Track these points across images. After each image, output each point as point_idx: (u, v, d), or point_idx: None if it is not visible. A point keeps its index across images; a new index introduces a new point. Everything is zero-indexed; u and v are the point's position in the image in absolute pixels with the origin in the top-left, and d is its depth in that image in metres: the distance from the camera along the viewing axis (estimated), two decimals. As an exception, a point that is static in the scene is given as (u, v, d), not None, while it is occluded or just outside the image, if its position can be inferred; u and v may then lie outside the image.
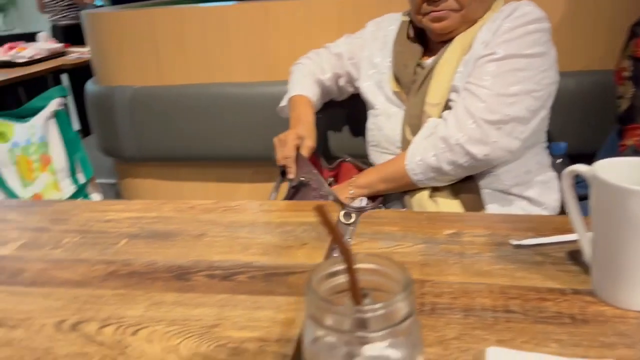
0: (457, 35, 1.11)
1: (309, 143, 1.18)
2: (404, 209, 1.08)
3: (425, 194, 1.11)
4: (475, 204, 1.08)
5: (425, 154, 1.07)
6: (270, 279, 0.67)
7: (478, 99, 1.03)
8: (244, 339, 0.56)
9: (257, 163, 1.64)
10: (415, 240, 0.73)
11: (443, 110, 1.10)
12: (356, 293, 0.36)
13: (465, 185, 1.10)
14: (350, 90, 1.36)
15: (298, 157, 1.14)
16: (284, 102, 1.36)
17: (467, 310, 0.58)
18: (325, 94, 1.36)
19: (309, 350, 0.38)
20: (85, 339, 0.58)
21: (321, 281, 0.39)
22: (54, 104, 1.53)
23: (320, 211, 0.32)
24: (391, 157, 1.17)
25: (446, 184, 1.10)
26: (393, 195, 1.16)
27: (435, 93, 1.10)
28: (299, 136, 1.16)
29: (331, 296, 0.38)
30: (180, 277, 0.69)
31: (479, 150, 1.03)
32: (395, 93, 1.17)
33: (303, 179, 1.09)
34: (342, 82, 1.34)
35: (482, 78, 1.04)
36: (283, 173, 1.15)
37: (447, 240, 0.73)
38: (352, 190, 1.12)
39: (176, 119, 1.62)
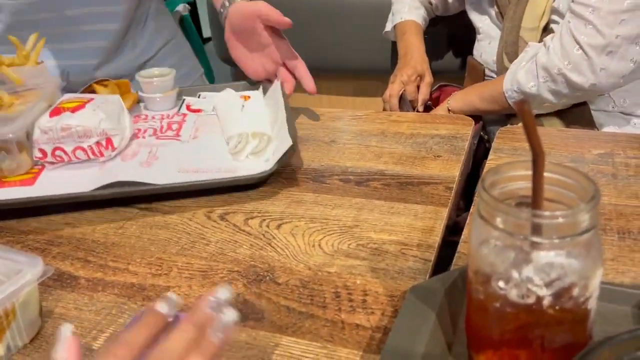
0: None
1: (429, 79, 1.15)
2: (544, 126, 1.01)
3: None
4: (587, 127, 0.99)
5: (524, 82, 0.97)
6: (405, 188, 0.67)
7: (583, 22, 0.90)
8: (384, 241, 0.57)
9: (367, 76, 1.61)
10: (560, 158, 0.69)
11: (541, 36, 0.99)
12: (538, 197, 0.35)
13: (574, 107, 1.00)
14: (458, 6, 1.26)
15: (402, 97, 1.12)
16: (389, 27, 1.30)
17: (622, 232, 0.55)
18: (430, 12, 1.29)
19: (476, 252, 0.37)
20: (234, 228, 0.61)
21: (493, 184, 0.38)
22: (179, 9, 1.57)
23: (523, 106, 0.30)
24: None
25: (550, 111, 1.01)
26: (494, 119, 1.09)
27: (531, 16, 0.98)
28: (418, 73, 1.13)
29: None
30: (316, 179, 0.70)
31: (584, 80, 0.91)
32: (497, 15, 1.07)
33: None
34: None
35: None
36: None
37: (597, 160, 0.68)
38: (449, 105, 1.06)
39: (295, 27, 1.61)
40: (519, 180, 0.39)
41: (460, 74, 1.33)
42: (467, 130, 0.80)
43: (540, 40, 0.99)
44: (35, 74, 0.81)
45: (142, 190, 0.63)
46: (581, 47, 0.90)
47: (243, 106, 0.79)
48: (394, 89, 1.12)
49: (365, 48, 1.53)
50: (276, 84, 0.79)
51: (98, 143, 0.69)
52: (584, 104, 0.98)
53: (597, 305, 0.38)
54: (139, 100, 0.86)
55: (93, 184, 0.64)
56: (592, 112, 0.99)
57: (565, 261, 0.35)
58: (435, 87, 1.21)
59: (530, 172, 0.38)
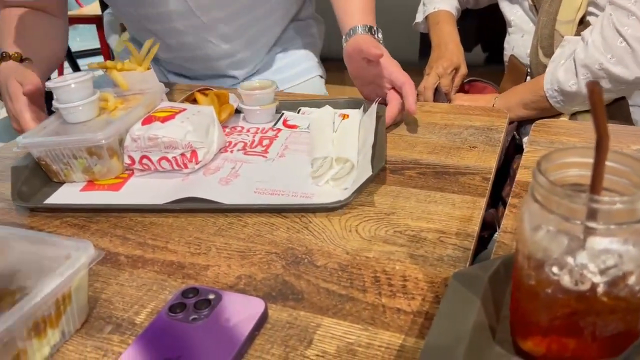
0: None
1: (464, 71, 1.14)
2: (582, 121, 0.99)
3: (564, 117, 1.02)
4: (624, 123, 0.97)
5: (564, 81, 0.95)
6: (441, 177, 0.66)
7: (626, 12, 0.88)
8: (421, 228, 0.57)
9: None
10: (599, 152, 0.68)
11: (577, 29, 0.97)
12: (598, 182, 0.34)
13: (612, 102, 0.99)
14: (487, 1, 1.25)
15: (436, 89, 1.11)
16: (419, 18, 1.29)
17: (666, 227, 0.54)
18: (462, 4, 1.27)
19: (529, 237, 0.37)
20: (270, 211, 0.62)
21: (547, 170, 0.37)
22: None
23: (594, 87, 0.30)
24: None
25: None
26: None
27: (567, 8, 0.96)
28: (454, 65, 1.12)
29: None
30: (350, 166, 0.70)
31: (628, 73, 0.89)
32: (531, 7, 1.06)
33: None
34: None
35: None
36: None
37: (636, 155, 0.67)
38: None
39: (324, 19, 1.61)
40: (573, 168, 0.39)
41: (487, 69, 1.32)
42: (502, 122, 0.79)
43: (577, 34, 0.98)
44: (143, 79, 0.81)
45: (211, 208, 0.62)
46: (625, 40, 0.88)
47: (337, 125, 0.77)
48: (429, 82, 1.11)
49: (393, 40, 1.52)
50: (373, 106, 0.78)
51: (183, 155, 0.68)
52: (622, 98, 0.97)
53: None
54: (236, 111, 0.85)
55: (169, 196, 0.63)
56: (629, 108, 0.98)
57: (622, 249, 0.34)
58: (466, 80, 1.20)
59: (584, 160, 0.37)
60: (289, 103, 0.88)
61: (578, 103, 0.98)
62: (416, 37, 1.48)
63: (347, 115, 0.80)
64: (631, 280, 0.35)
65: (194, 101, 0.83)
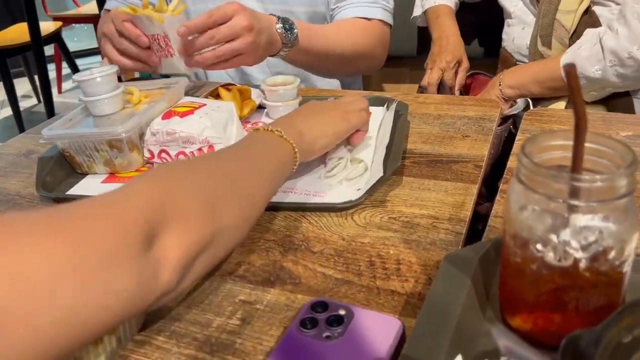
0: None
1: (466, 64, 1.15)
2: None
3: (561, 104, 1.03)
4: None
5: (587, 66, 0.95)
6: (434, 165, 0.68)
7: None
8: (415, 214, 0.59)
9: (393, 62, 1.62)
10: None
11: (581, 19, 0.98)
12: (578, 161, 0.36)
13: (618, 96, 1.00)
14: None
15: (440, 83, 1.12)
16: (418, 12, 1.29)
17: (652, 209, 0.55)
18: None
19: (515, 217, 0.38)
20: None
21: (532, 152, 0.39)
22: None
23: (571, 70, 0.31)
24: None
25: (606, 95, 1.00)
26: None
27: None
28: (457, 59, 1.13)
29: (540, 168, 0.38)
30: (346, 156, 0.72)
31: None
32: (532, 0, 1.07)
33: None
34: None
35: None
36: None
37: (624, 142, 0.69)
38: (502, 89, 1.05)
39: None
40: (557, 150, 0.40)
41: (484, 61, 1.33)
42: (495, 112, 0.81)
43: (581, 24, 0.98)
44: (173, 21, 0.78)
45: None
46: None
47: None
48: (432, 77, 1.11)
49: (391, 34, 1.54)
50: (394, 104, 0.78)
51: (200, 150, 0.69)
52: (626, 94, 0.98)
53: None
54: (259, 107, 0.85)
55: None
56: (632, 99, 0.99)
57: (602, 225, 0.36)
58: (468, 74, 1.21)
59: (567, 142, 0.39)
60: (312, 99, 0.88)
61: (598, 88, 0.98)
62: (414, 31, 1.49)
63: (370, 112, 0.80)
64: (611, 255, 0.36)
65: (217, 96, 0.83)
